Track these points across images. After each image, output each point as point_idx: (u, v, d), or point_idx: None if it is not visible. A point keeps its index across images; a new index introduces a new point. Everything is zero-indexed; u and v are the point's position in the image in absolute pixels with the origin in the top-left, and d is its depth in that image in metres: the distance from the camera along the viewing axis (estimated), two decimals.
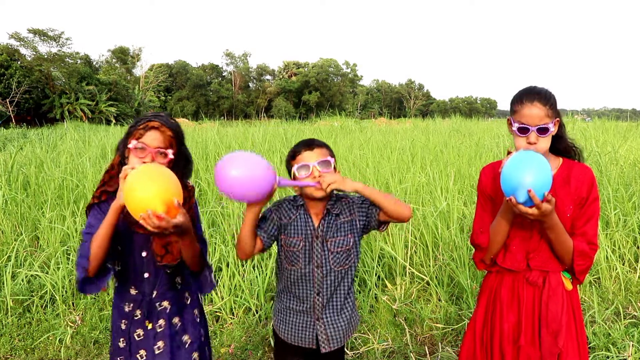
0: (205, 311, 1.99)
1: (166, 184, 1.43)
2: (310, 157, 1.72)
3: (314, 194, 1.71)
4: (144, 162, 1.56)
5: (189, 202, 1.72)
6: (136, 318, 1.71)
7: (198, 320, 1.84)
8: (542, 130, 1.59)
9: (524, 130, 1.61)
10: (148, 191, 1.39)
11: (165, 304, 1.73)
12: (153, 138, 1.60)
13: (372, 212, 1.79)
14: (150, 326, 1.71)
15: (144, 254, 1.69)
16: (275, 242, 1.85)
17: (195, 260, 1.70)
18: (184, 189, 1.67)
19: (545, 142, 1.62)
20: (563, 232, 1.61)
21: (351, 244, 1.79)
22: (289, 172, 1.80)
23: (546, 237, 1.66)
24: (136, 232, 1.63)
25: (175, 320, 1.76)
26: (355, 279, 3.77)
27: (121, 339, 1.73)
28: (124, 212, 1.52)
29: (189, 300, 1.82)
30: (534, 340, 1.70)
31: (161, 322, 1.73)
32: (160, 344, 1.71)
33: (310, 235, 1.77)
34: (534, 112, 1.59)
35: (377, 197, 1.71)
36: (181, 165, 1.71)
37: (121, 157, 1.66)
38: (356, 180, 1.78)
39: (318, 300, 1.79)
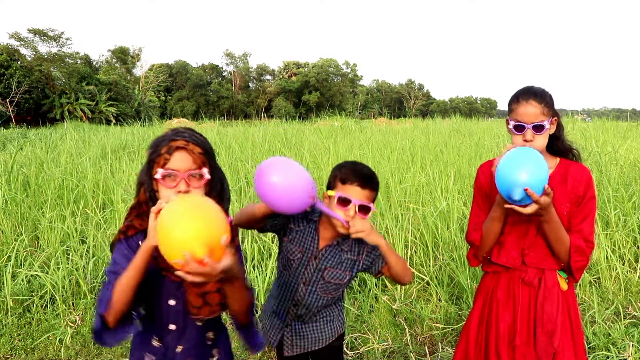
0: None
1: (208, 218, 1.15)
2: (357, 194, 1.63)
3: (337, 227, 1.66)
4: (180, 192, 1.31)
5: (233, 241, 1.39)
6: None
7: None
8: (538, 128, 1.61)
9: (520, 128, 1.64)
10: (186, 230, 1.11)
11: (179, 349, 1.46)
12: (181, 160, 1.32)
13: (378, 263, 1.77)
14: None
15: (172, 302, 1.40)
16: (279, 241, 1.84)
17: (243, 309, 1.40)
18: None
19: (542, 139, 1.63)
20: (560, 226, 1.62)
21: (346, 280, 1.77)
22: (330, 184, 1.72)
23: (542, 232, 1.66)
24: (166, 276, 1.37)
25: None
26: (355, 279, 3.77)
27: None
28: (155, 254, 1.27)
29: (215, 358, 1.56)
30: (529, 341, 1.71)
31: None
32: None
33: (309, 253, 1.75)
34: (530, 110, 1.62)
35: (392, 258, 1.70)
36: (217, 188, 1.42)
37: (149, 192, 1.37)
38: (381, 233, 1.76)
39: (292, 310, 1.79)
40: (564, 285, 1.72)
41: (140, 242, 1.35)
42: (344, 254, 1.76)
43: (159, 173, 1.32)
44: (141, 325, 1.43)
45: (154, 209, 1.24)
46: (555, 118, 1.69)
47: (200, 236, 1.12)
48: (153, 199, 1.36)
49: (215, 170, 1.41)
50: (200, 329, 1.46)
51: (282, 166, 1.51)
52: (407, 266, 1.77)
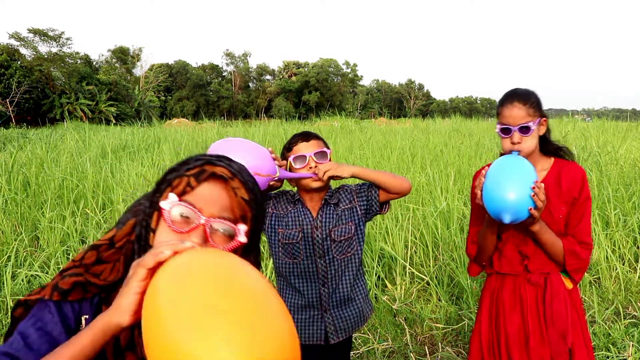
0: None
1: (251, 327, 0.57)
2: (306, 148, 1.72)
3: (310, 185, 1.71)
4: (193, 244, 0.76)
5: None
6: None
7: None
8: (524, 130, 1.61)
9: (506, 131, 1.64)
10: (208, 347, 0.54)
11: None
12: (214, 197, 0.83)
13: (372, 195, 1.79)
14: None
15: None
16: (269, 240, 1.82)
17: None
18: None
19: (529, 141, 1.62)
20: (549, 232, 1.62)
21: (352, 231, 1.78)
22: (284, 158, 1.79)
23: (534, 237, 1.66)
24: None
25: None
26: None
27: None
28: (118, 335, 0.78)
29: None
30: (544, 341, 1.69)
31: None
32: None
33: (309, 226, 1.75)
34: (514, 113, 1.62)
35: (375, 175, 1.73)
36: (253, 254, 0.91)
37: (142, 227, 0.86)
38: (352, 164, 1.78)
39: (324, 291, 1.76)
40: (568, 284, 1.71)
41: (86, 315, 0.83)
42: (337, 208, 1.79)
43: (169, 202, 0.81)
44: None
45: (145, 262, 0.71)
46: (545, 118, 1.68)
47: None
48: (143, 242, 0.85)
49: (257, 228, 0.90)
50: None
51: (230, 145, 1.50)
52: (396, 175, 1.77)
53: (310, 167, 1.70)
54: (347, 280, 1.80)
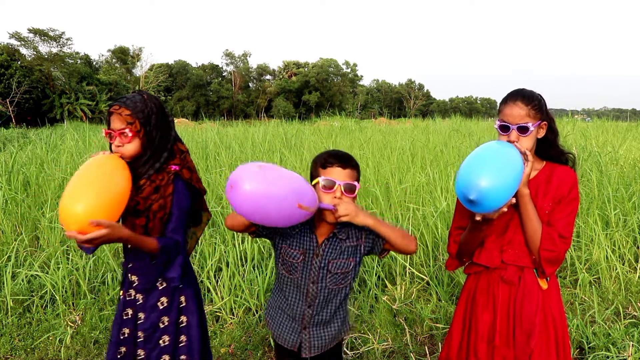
0: (201, 310, 2.00)
1: (89, 198, 1.50)
2: (339, 175, 1.65)
3: (326, 218, 1.67)
4: (116, 146, 1.73)
5: (165, 190, 1.74)
6: (126, 280, 1.88)
7: (162, 306, 1.84)
8: (522, 129, 1.61)
9: (505, 128, 1.65)
10: (65, 206, 1.49)
11: (135, 278, 1.84)
12: (114, 122, 1.72)
13: (379, 242, 1.77)
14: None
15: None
16: (273, 246, 1.84)
17: (151, 253, 1.72)
18: (162, 172, 1.77)
19: (527, 141, 1.63)
20: (534, 207, 1.63)
21: (351, 267, 1.78)
22: (312, 175, 1.73)
23: (520, 227, 1.67)
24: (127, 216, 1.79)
25: (139, 296, 1.84)
26: (355, 280, 3.76)
27: (121, 291, 1.91)
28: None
29: (161, 286, 1.84)
30: (509, 341, 1.71)
31: (131, 291, 1.85)
32: (129, 310, 1.86)
33: (311, 252, 1.75)
34: (515, 111, 1.62)
35: (387, 232, 1.68)
36: (155, 138, 1.76)
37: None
38: (369, 213, 1.72)
39: (307, 312, 1.78)
40: (543, 285, 1.71)
41: None
42: (343, 243, 1.76)
43: (103, 132, 1.79)
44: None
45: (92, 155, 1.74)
46: (545, 122, 1.68)
47: (73, 216, 1.48)
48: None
49: (150, 125, 1.74)
50: (142, 253, 1.76)
51: (260, 172, 1.40)
52: (407, 234, 1.75)
53: (335, 196, 1.63)
54: (332, 307, 1.81)
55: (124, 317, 1.86)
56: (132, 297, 1.85)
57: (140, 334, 1.84)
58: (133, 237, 1.64)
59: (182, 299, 1.89)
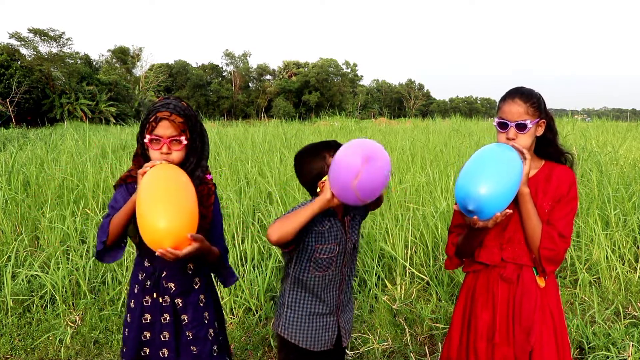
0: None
1: (178, 213, 1.46)
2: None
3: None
4: (161, 153, 1.65)
5: (208, 200, 1.75)
6: (147, 286, 1.80)
7: (202, 304, 1.84)
8: (520, 127, 1.62)
9: (503, 126, 1.66)
10: (157, 225, 1.42)
11: (172, 285, 1.78)
12: (165, 128, 1.63)
13: (368, 208, 1.92)
14: (156, 296, 1.80)
15: None
16: (299, 255, 1.77)
17: (213, 264, 1.80)
18: (203, 184, 1.76)
19: (525, 139, 1.63)
20: (534, 210, 1.64)
21: (359, 239, 1.90)
22: (322, 171, 1.68)
23: (520, 226, 1.67)
24: None
25: (178, 300, 1.79)
26: (355, 279, 3.77)
27: (132, 300, 1.84)
28: None
29: (197, 286, 1.84)
30: (509, 339, 1.71)
31: (166, 298, 1.80)
32: (166, 316, 1.80)
33: (344, 239, 1.77)
34: (514, 109, 1.63)
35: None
36: (198, 147, 1.75)
37: (141, 149, 1.74)
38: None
39: (342, 298, 1.84)
40: (541, 283, 1.72)
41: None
42: (354, 219, 1.84)
43: (146, 138, 1.65)
44: (137, 250, 1.82)
45: (140, 171, 1.58)
46: (544, 120, 1.69)
47: (167, 231, 1.42)
48: (144, 154, 1.73)
49: (195, 133, 1.72)
50: (182, 260, 1.64)
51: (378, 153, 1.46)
52: None
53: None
54: (352, 284, 1.91)
55: (144, 322, 1.80)
56: (168, 303, 1.79)
57: (188, 333, 1.81)
58: (210, 247, 1.66)
59: (202, 297, 1.90)
